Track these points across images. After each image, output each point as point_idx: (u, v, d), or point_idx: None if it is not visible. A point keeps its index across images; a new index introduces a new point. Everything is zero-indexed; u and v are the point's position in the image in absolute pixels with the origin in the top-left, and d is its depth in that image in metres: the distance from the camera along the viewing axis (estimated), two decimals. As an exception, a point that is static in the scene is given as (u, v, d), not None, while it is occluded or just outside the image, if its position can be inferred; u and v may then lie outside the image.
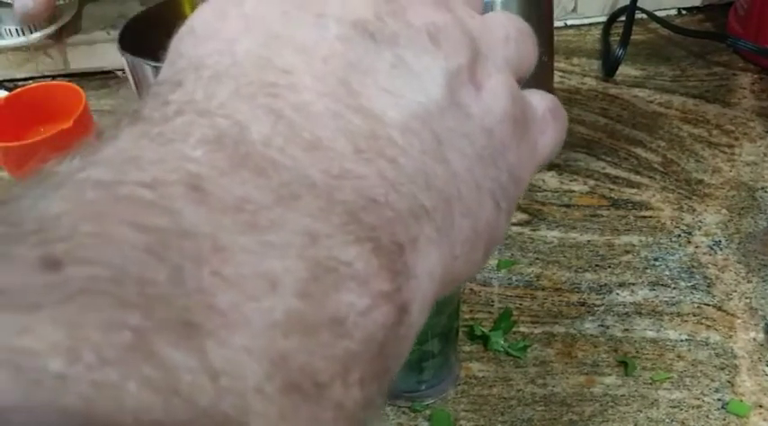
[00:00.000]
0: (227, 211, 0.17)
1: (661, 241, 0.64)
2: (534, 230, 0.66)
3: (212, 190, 0.17)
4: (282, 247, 0.17)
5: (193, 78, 0.20)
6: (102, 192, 0.17)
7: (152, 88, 0.21)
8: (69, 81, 0.80)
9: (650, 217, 0.66)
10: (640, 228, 0.65)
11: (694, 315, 0.59)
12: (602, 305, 0.60)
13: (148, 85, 0.53)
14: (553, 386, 0.55)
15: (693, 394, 0.54)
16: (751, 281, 0.61)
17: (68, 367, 0.14)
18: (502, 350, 0.57)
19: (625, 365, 0.55)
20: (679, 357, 0.56)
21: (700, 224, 0.65)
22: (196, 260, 0.16)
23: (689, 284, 0.61)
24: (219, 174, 0.18)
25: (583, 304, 0.60)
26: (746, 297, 0.60)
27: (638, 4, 0.82)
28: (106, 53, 0.85)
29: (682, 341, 0.57)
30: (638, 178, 0.70)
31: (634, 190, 0.69)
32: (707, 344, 0.57)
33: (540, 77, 0.66)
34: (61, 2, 0.79)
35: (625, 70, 0.81)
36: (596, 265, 0.63)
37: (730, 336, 0.57)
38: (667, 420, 0.52)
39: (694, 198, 0.68)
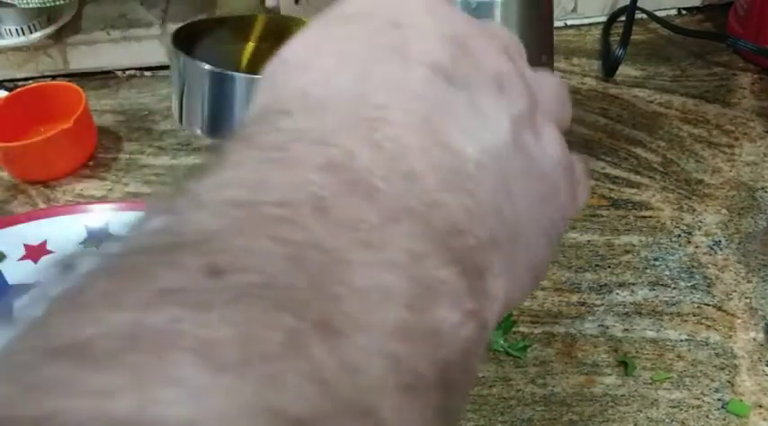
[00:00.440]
0: (347, 229, 0.20)
1: (661, 241, 0.64)
2: (534, 230, 0.66)
3: (333, 210, 0.20)
4: (391, 264, 0.20)
5: (299, 108, 0.23)
6: (244, 211, 0.19)
7: (256, 113, 0.24)
8: (69, 81, 0.80)
9: (650, 217, 0.66)
10: (640, 228, 0.65)
11: (694, 315, 0.59)
12: (602, 305, 0.60)
13: (203, 87, 0.56)
14: (553, 386, 0.55)
15: (693, 394, 0.54)
16: (751, 281, 0.61)
17: (244, 358, 0.16)
18: (502, 349, 0.57)
19: (625, 365, 0.55)
20: (679, 357, 0.56)
21: (700, 224, 0.65)
22: (328, 270, 0.19)
23: (689, 284, 0.61)
24: (337, 196, 0.20)
25: (583, 304, 0.60)
26: (746, 297, 0.60)
27: (638, 4, 0.82)
28: (106, 53, 0.85)
29: (682, 341, 0.57)
30: (638, 178, 0.70)
31: (634, 190, 0.69)
32: (707, 344, 0.57)
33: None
34: (61, 2, 0.79)
35: (625, 70, 0.81)
36: (596, 265, 0.63)
37: (730, 336, 0.57)
38: (667, 420, 0.52)
39: (694, 198, 0.68)
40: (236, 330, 0.16)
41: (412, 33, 0.24)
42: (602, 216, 0.67)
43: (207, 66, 0.55)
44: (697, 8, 0.89)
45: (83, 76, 0.85)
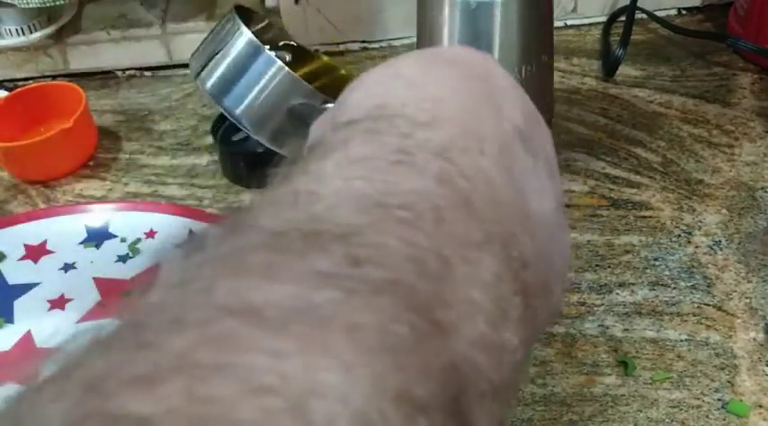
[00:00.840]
0: (455, 239, 0.23)
1: (661, 241, 0.64)
2: (534, 230, 0.66)
3: (447, 221, 0.23)
4: (481, 281, 0.23)
5: (416, 118, 0.26)
6: (379, 210, 0.22)
7: (371, 106, 0.27)
8: (69, 81, 0.80)
9: (650, 217, 0.66)
10: (640, 228, 0.65)
11: (694, 315, 0.59)
12: (602, 305, 0.60)
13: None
14: (553, 386, 0.55)
15: (693, 394, 0.54)
16: (751, 281, 0.61)
17: (381, 345, 0.19)
18: (502, 350, 0.57)
19: (625, 365, 0.55)
20: (679, 357, 0.56)
21: (700, 224, 0.65)
22: (442, 277, 0.22)
23: (689, 284, 0.61)
24: (450, 209, 0.23)
25: (583, 304, 0.60)
26: (746, 297, 0.60)
27: (638, 4, 0.82)
28: (106, 53, 0.85)
29: (682, 341, 0.57)
30: (638, 178, 0.70)
31: (634, 190, 0.69)
32: (707, 344, 0.57)
33: (540, 77, 0.66)
34: (61, 2, 0.79)
35: (625, 70, 0.81)
36: (596, 265, 0.63)
37: (730, 336, 0.57)
38: (667, 420, 0.52)
39: (694, 198, 0.68)
40: (377, 318, 0.19)
41: (500, 93, 0.29)
42: (602, 216, 0.67)
43: (251, 36, 0.63)
44: (697, 8, 0.89)
45: (83, 76, 0.85)
